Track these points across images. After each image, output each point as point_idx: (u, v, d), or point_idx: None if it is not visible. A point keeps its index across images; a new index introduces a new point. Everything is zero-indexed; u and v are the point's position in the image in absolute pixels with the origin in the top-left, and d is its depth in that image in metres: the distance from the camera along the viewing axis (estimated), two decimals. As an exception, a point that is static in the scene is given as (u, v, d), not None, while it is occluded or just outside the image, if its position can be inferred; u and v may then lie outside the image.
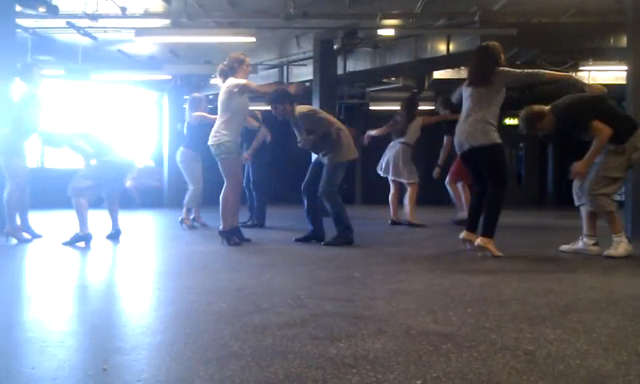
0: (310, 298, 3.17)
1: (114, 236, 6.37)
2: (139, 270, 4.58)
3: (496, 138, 4.93)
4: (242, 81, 5.79)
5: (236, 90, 5.75)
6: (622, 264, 4.79)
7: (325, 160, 5.94)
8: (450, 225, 8.41)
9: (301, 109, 5.99)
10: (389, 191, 8.56)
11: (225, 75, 5.94)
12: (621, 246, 4.91)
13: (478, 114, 4.93)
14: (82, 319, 2.91)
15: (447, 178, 8.49)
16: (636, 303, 3.08)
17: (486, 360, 2.06)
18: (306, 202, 6.04)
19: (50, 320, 2.77)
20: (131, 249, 5.91)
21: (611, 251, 4.91)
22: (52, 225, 8.43)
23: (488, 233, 4.92)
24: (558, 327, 2.53)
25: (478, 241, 4.94)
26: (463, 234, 5.21)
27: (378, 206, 13.72)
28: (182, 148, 8.10)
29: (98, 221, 6.82)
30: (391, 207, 8.50)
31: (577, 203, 5.26)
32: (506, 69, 4.99)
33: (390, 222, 8.44)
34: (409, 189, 8.38)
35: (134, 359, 2.09)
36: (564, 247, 5.32)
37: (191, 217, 8.11)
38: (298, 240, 6.10)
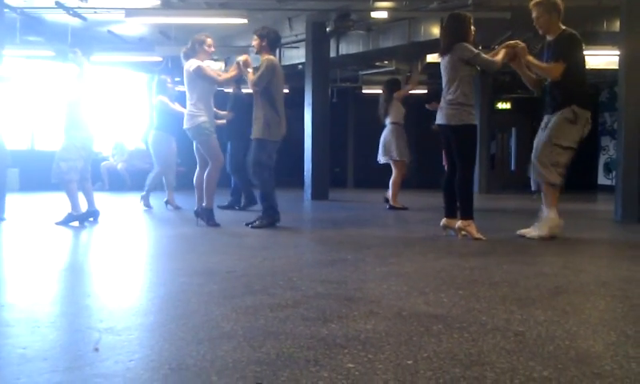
0: (301, 279, 3.18)
1: (92, 216, 6.15)
2: (130, 252, 4.57)
3: (467, 118, 4.90)
4: (199, 63, 5.78)
5: (192, 69, 5.75)
6: (611, 247, 4.83)
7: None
8: (441, 208, 8.42)
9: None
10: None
11: (188, 58, 5.94)
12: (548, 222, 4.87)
13: (449, 92, 4.93)
14: (73, 300, 2.90)
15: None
16: (625, 286, 3.11)
17: (477, 341, 2.08)
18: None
19: (41, 301, 2.76)
20: (121, 231, 5.89)
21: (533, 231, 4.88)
22: (42, 206, 8.38)
23: (466, 215, 4.95)
24: (548, 309, 2.56)
25: (459, 223, 4.96)
26: (443, 221, 5.18)
27: (370, 189, 13.75)
28: (153, 130, 8.07)
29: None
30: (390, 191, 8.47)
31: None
32: (465, 45, 4.89)
33: (387, 206, 8.40)
34: (394, 170, 8.36)
35: (126, 340, 2.09)
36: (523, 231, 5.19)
37: (165, 200, 8.06)
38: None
